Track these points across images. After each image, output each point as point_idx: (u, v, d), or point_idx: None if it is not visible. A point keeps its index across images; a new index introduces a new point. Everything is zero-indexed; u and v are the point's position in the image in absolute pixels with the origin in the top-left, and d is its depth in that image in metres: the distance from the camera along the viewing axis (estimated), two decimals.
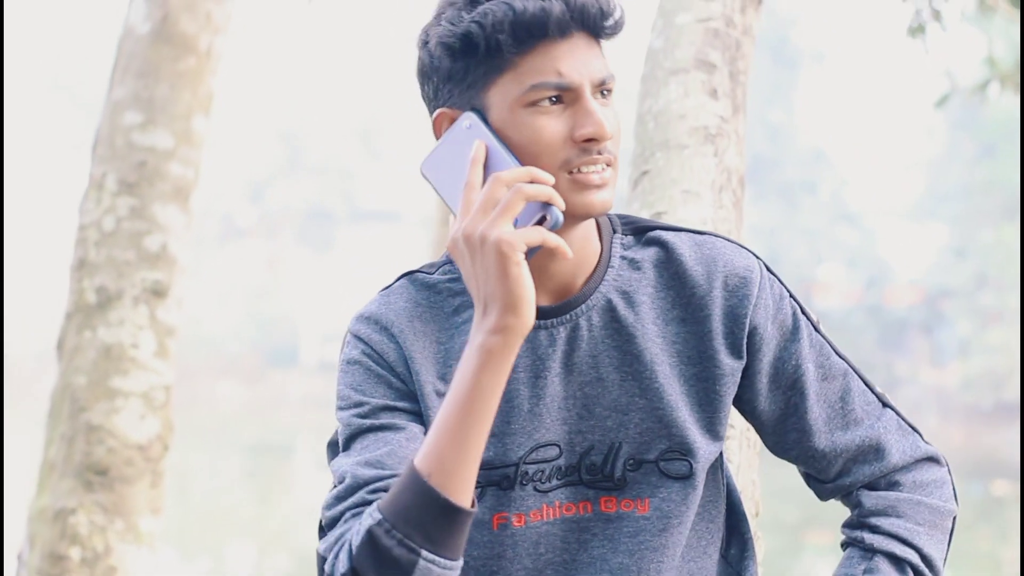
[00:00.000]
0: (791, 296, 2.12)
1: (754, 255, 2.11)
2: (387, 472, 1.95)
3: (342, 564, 1.86)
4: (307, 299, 45.96)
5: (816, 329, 2.13)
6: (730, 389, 2.08)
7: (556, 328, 2.05)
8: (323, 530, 2.00)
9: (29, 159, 41.26)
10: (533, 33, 1.91)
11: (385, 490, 1.92)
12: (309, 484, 24.04)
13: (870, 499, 2.15)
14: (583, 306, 2.05)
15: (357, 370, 2.06)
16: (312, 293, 45.94)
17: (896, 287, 41.61)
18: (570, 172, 1.94)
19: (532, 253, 1.88)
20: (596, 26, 1.94)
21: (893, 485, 2.15)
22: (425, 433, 2.00)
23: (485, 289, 1.85)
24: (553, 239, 1.87)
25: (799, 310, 2.12)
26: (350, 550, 1.86)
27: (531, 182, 1.88)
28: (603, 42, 1.97)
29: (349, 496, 1.95)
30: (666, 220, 2.87)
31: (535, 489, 2.06)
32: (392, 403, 2.03)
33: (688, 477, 2.06)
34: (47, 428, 4.35)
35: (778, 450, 2.16)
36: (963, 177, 39.19)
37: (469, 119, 1.95)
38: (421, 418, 2.04)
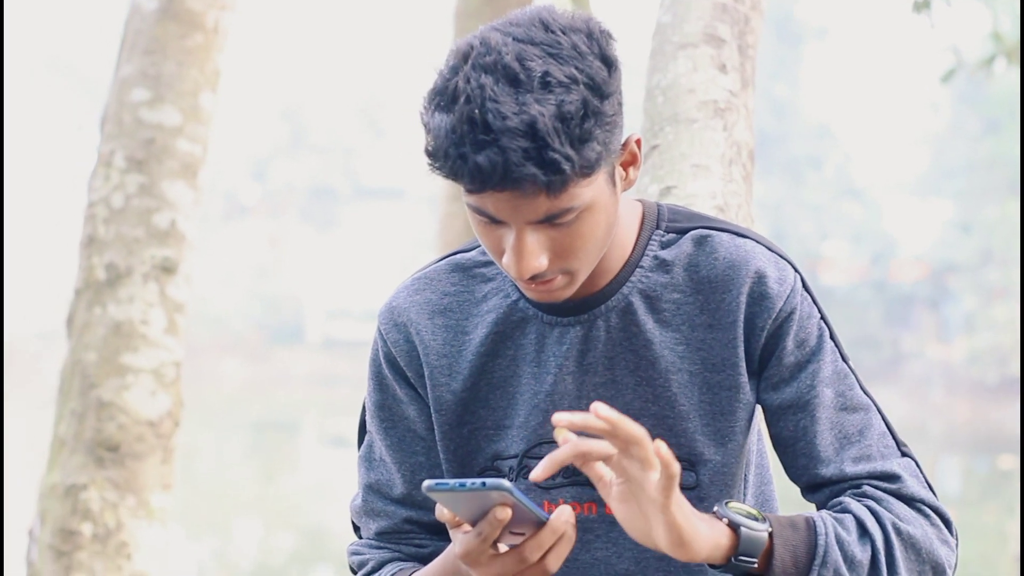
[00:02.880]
0: (823, 318, 2.05)
1: (792, 267, 2.05)
2: (390, 509, 2.15)
3: None
4: (311, 277, 45.98)
5: (844, 358, 2.05)
6: (749, 399, 2.04)
7: (570, 327, 2.04)
8: (355, 527, 2.22)
9: (32, 138, 41.25)
10: (474, 183, 1.82)
11: (389, 533, 2.15)
12: (314, 461, 24.09)
13: (872, 491, 2.03)
14: (602, 307, 2.03)
15: (377, 370, 2.15)
16: (316, 271, 45.95)
17: (901, 262, 41.60)
18: None
19: None
20: (551, 187, 1.81)
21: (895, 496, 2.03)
22: (427, 436, 2.13)
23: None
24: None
25: (828, 334, 2.05)
26: None
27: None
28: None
29: (363, 518, 2.18)
30: (675, 194, 2.87)
31: (537, 485, 2.05)
32: (402, 415, 2.13)
33: (693, 488, 2.03)
34: (57, 404, 4.36)
35: (792, 477, 2.08)
36: (968, 152, 39.14)
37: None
38: (430, 418, 2.12)
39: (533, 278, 1.90)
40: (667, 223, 2.07)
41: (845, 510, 1.98)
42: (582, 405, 2.02)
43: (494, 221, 1.87)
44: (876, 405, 2.06)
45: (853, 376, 2.05)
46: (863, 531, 1.95)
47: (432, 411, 2.10)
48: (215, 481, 21.37)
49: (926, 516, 2.00)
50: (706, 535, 1.85)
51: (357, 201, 47.31)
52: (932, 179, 42.10)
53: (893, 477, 2.02)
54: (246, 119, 44.76)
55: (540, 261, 1.87)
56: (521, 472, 2.06)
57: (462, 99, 1.79)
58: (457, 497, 1.74)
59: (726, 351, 2.01)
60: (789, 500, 2.24)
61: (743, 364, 2.02)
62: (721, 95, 3.02)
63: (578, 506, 2.06)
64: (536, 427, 2.05)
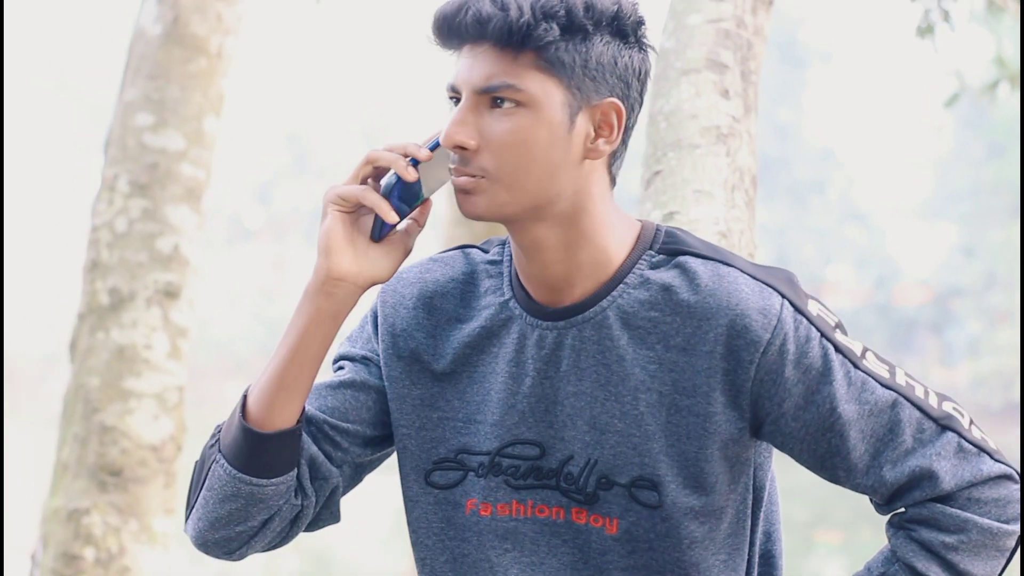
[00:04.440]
0: (823, 335, 2.02)
1: (779, 295, 2.02)
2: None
3: None
4: None
5: (857, 365, 2.03)
6: (721, 430, 2.01)
7: (548, 332, 2.05)
8: None
9: (37, 161, 41.29)
10: (449, 36, 1.98)
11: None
12: None
13: (914, 508, 2.06)
14: (579, 317, 2.03)
15: (363, 322, 2.23)
16: None
17: (905, 286, 41.55)
18: None
19: (387, 229, 2.02)
20: (501, 37, 1.93)
21: (945, 499, 2.04)
22: (379, 398, 2.16)
23: None
24: (372, 200, 1.98)
25: (833, 349, 2.02)
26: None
27: (408, 152, 1.99)
28: (532, 52, 1.96)
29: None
30: (678, 220, 2.88)
31: (506, 483, 2.07)
32: (359, 353, 2.20)
33: (657, 507, 2.02)
34: (60, 429, 4.36)
35: (832, 481, 2.08)
36: (972, 177, 39.15)
37: None
38: (381, 392, 2.16)
39: (461, 165, 1.98)
40: (660, 245, 2.07)
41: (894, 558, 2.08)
42: (557, 411, 2.05)
43: (457, 103, 1.98)
44: (901, 393, 2.05)
45: (872, 379, 2.04)
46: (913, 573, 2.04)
47: (400, 382, 2.13)
48: None
49: (976, 504, 2.04)
50: None
51: None
52: (936, 203, 42.10)
53: (932, 479, 2.03)
54: (251, 143, 44.83)
55: (467, 133, 1.96)
56: (491, 469, 2.07)
57: None
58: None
59: (698, 378, 2.00)
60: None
61: (717, 395, 2.00)
62: (724, 121, 3.02)
63: (547, 509, 2.06)
64: (512, 426, 2.06)
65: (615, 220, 2.05)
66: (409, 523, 2.13)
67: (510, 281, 2.10)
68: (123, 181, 4.41)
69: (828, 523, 19.96)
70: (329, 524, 2.20)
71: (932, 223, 42.59)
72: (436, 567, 2.12)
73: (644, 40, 2.02)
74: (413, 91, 46.24)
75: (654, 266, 2.05)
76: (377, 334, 2.17)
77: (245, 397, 2.07)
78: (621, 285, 2.03)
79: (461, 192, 1.99)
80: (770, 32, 3.26)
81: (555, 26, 1.92)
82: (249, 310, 45.84)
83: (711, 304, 2.00)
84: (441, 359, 2.12)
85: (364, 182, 2.01)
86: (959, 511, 2.03)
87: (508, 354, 2.07)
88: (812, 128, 43.57)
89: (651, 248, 2.06)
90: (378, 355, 2.16)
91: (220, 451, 2.06)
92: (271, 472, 2.04)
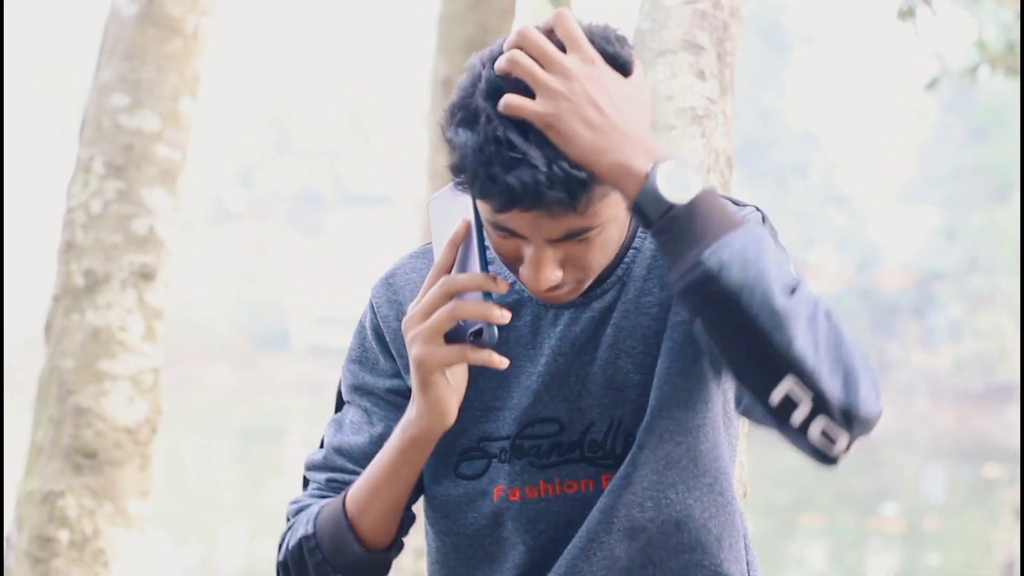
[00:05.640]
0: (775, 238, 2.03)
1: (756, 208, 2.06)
2: (349, 468, 2.14)
3: (280, 553, 2.11)
4: (297, 283, 45.98)
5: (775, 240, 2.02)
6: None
7: (565, 309, 2.04)
8: (305, 482, 2.21)
9: (16, 144, 41.20)
10: (503, 202, 1.83)
11: (342, 484, 2.14)
12: (300, 468, 24.05)
13: None
14: (597, 290, 2.03)
15: (362, 340, 2.16)
16: (302, 277, 45.96)
17: (887, 270, 41.67)
18: None
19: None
20: (574, 207, 1.82)
21: None
22: (397, 412, 2.11)
23: (413, 381, 1.95)
24: (478, 357, 1.90)
25: (770, 227, 2.06)
26: (287, 547, 2.10)
27: (482, 287, 1.88)
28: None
29: (317, 472, 2.17)
30: None
31: (531, 464, 2.05)
32: (381, 387, 2.14)
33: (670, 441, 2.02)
34: (35, 411, 4.34)
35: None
36: (953, 160, 39.26)
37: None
38: (405, 396, 2.12)
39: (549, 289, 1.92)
40: None
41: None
42: (571, 383, 2.03)
43: (514, 235, 1.88)
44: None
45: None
46: (793, 284, 1.80)
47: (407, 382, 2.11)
48: (200, 488, 21.35)
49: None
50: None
51: (343, 207, 47.32)
52: (917, 187, 42.22)
53: None
54: (232, 125, 44.77)
55: (556, 275, 1.89)
56: (514, 452, 2.06)
57: (483, 117, 1.80)
58: None
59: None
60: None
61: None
62: (699, 102, 3.02)
63: (575, 483, 2.05)
64: (528, 407, 2.05)
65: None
66: (437, 522, 2.13)
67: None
68: (98, 162, 4.39)
69: (810, 507, 20.02)
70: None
71: (913, 206, 42.71)
72: (466, 559, 2.13)
73: (629, 48, 1.91)
74: (396, 72, 46.16)
75: None
76: (386, 349, 2.13)
77: (352, 525, 2.05)
78: (631, 251, 2.04)
79: (552, 299, 1.97)
80: (752, 15, 3.25)
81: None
82: (231, 293, 45.84)
83: None
84: None
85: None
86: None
87: (523, 337, 2.06)
88: (794, 111, 43.66)
89: None
90: (396, 372, 2.13)
91: (337, 570, 2.06)
92: (388, 569, 2.09)
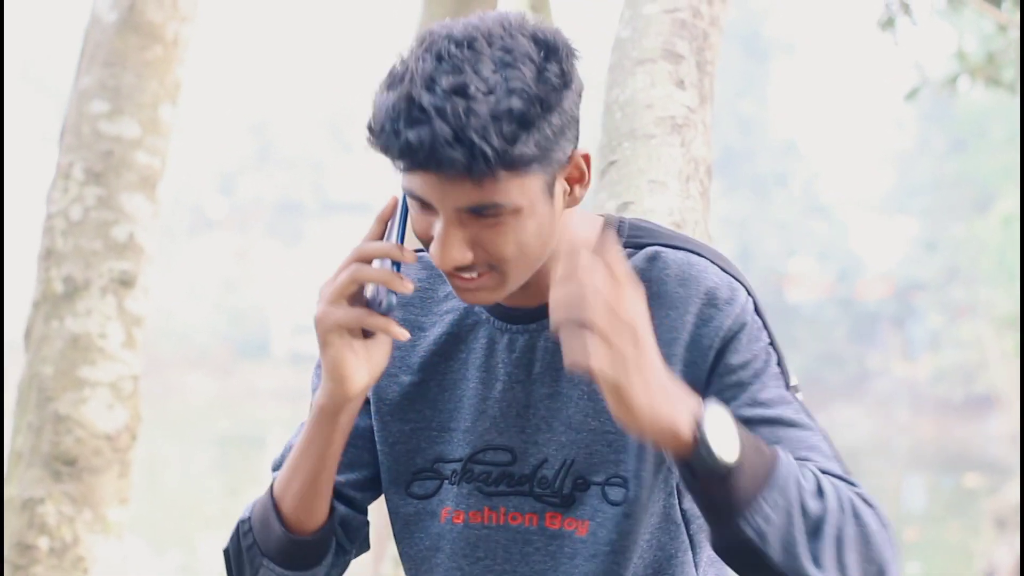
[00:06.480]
0: (772, 345, 1.98)
1: (746, 290, 1.99)
2: None
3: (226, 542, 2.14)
4: (278, 291, 45.89)
5: (788, 387, 1.97)
6: None
7: (519, 335, 2.03)
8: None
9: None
10: (403, 161, 1.84)
11: None
12: None
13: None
14: (547, 319, 1.94)
15: None
16: (283, 285, 45.87)
17: (867, 280, 41.71)
18: None
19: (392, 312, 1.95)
20: (473, 172, 1.80)
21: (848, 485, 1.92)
22: (357, 429, 2.14)
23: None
24: (375, 323, 1.92)
25: (775, 360, 1.97)
26: (230, 534, 2.13)
27: (389, 255, 1.91)
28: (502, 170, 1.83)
29: (275, 471, 2.16)
30: (633, 210, 2.87)
31: (478, 489, 2.05)
32: None
33: (620, 504, 1.99)
34: (14, 418, 4.34)
35: None
36: (933, 170, 39.31)
37: None
38: (368, 414, 2.14)
39: (459, 271, 1.90)
40: (626, 238, 2.03)
41: (803, 465, 1.88)
42: (529, 415, 2.02)
43: (425, 206, 1.87)
44: (823, 433, 1.96)
45: (798, 404, 1.96)
46: (819, 489, 1.84)
47: (372, 401, 2.12)
48: (181, 495, 21.31)
49: (878, 515, 1.88)
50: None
51: (324, 215, 47.25)
52: (898, 197, 42.27)
53: (840, 478, 1.90)
54: (213, 133, 44.68)
55: (462, 253, 1.87)
56: (464, 476, 2.06)
57: (407, 79, 1.81)
58: None
59: (667, 362, 1.93)
60: None
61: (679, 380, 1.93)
62: (679, 111, 3.02)
63: (520, 516, 2.04)
64: (483, 432, 2.04)
65: (579, 223, 2.01)
66: (395, 537, 2.13)
67: None
68: (78, 169, 4.38)
69: None
70: (362, 553, 2.21)
71: (894, 217, 42.77)
72: None
73: (576, 61, 1.90)
74: (376, 80, 46.06)
75: None
76: None
77: (276, 506, 2.06)
78: None
79: (470, 294, 1.93)
80: (732, 25, 3.27)
81: (521, 141, 1.80)
82: (212, 300, 45.73)
83: (680, 293, 1.96)
84: (408, 370, 2.10)
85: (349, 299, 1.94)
86: (867, 507, 1.88)
87: (477, 359, 2.05)
88: (775, 121, 43.67)
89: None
90: None
91: (265, 555, 2.06)
92: (318, 559, 2.07)
